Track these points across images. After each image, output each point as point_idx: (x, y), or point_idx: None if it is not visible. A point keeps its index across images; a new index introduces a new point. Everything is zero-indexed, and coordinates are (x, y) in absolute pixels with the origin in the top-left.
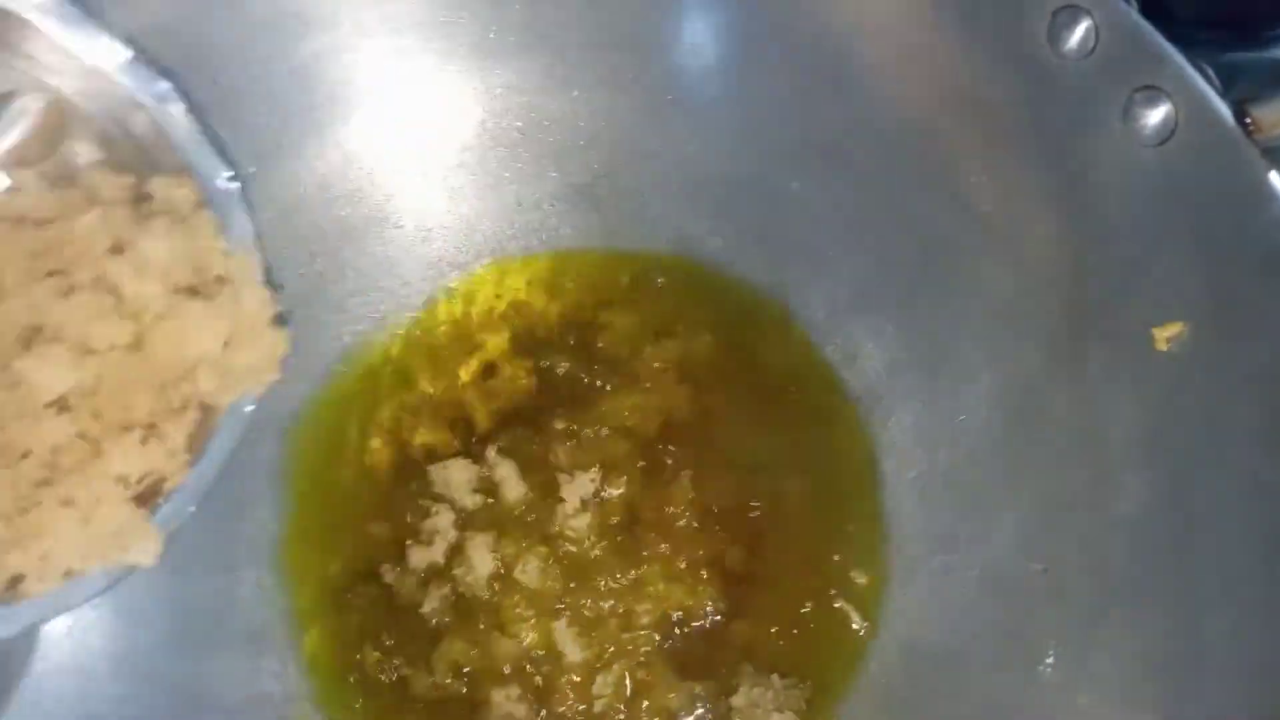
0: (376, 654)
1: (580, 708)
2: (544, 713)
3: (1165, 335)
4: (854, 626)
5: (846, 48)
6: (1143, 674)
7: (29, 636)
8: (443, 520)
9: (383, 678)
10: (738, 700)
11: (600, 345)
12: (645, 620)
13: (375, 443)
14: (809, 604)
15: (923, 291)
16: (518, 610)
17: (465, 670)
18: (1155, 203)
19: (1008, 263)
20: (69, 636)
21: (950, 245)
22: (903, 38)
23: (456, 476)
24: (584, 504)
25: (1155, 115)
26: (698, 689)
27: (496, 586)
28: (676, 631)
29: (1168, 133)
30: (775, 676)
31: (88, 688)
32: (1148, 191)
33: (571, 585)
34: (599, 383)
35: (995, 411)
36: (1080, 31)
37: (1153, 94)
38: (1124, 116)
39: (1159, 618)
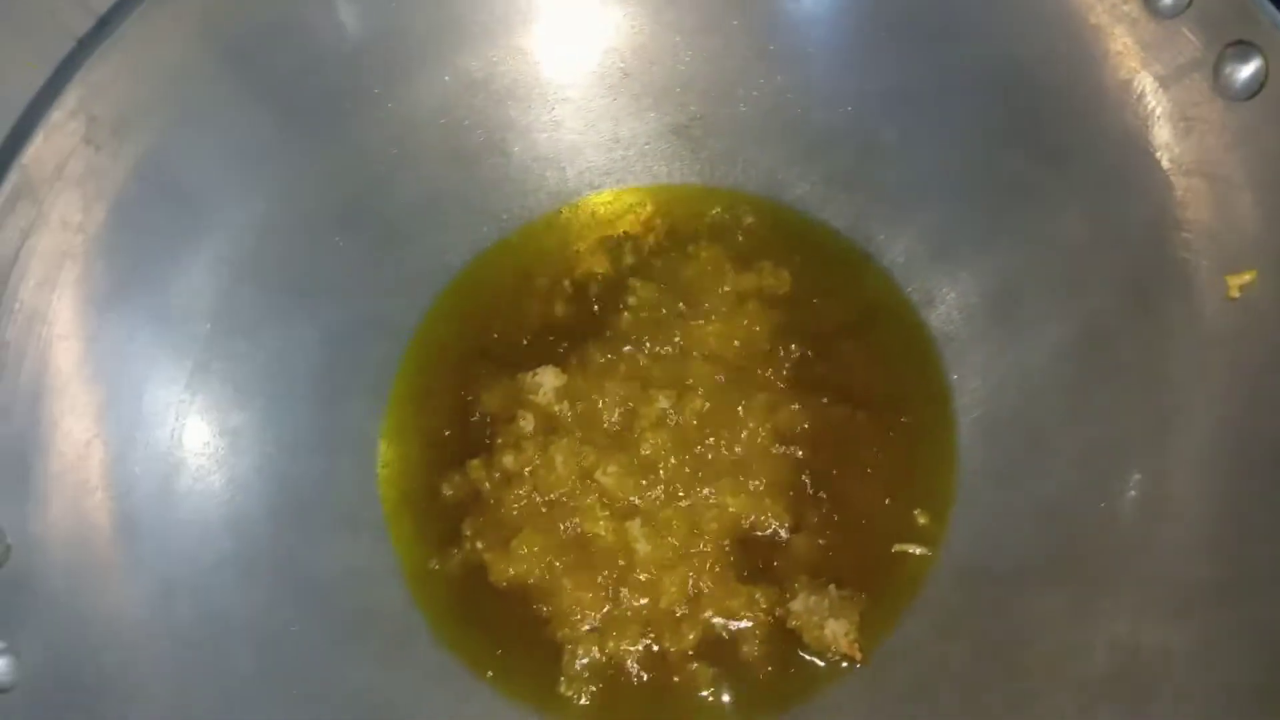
0: (459, 542)
1: (644, 601)
2: (610, 605)
3: (1238, 283)
4: (913, 550)
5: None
6: (1187, 597)
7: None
8: (530, 423)
9: (463, 564)
10: (795, 605)
11: (687, 274)
12: (713, 528)
13: (473, 352)
14: (872, 527)
15: (1001, 239)
16: (593, 509)
17: (540, 561)
18: (1240, 155)
19: (1088, 213)
20: (191, 493)
21: (1032, 195)
22: None
23: (547, 383)
24: (662, 419)
25: (1246, 70)
26: (757, 594)
27: (575, 488)
28: (742, 541)
29: (1257, 86)
30: (832, 587)
31: (205, 539)
32: (1234, 144)
33: (646, 492)
34: (683, 308)
35: (1064, 356)
36: None
37: (1244, 49)
38: (1215, 71)
39: (1210, 550)
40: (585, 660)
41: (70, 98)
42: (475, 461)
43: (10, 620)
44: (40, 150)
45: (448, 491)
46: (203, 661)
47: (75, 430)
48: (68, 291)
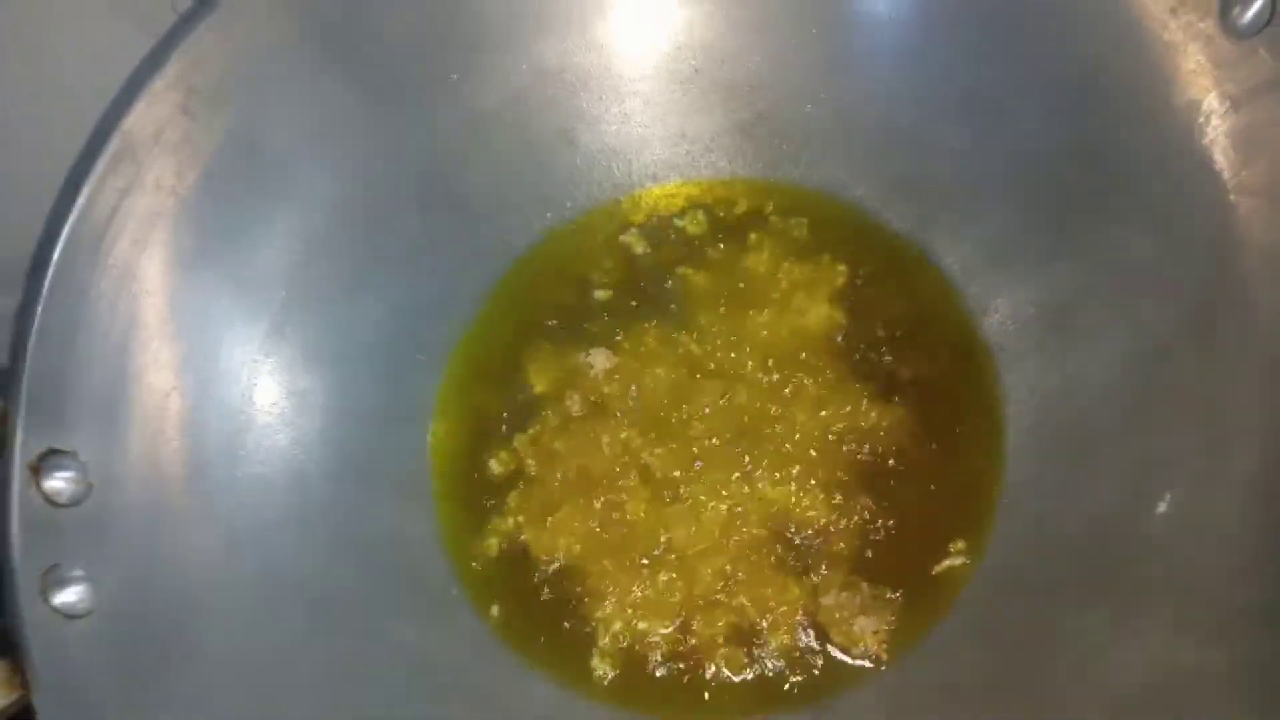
0: (502, 516)
1: (679, 585)
2: (646, 586)
3: None
4: (953, 556)
5: (1020, 7)
6: (1227, 620)
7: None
8: (578, 404)
9: (504, 539)
10: (826, 600)
11: (743, 265)
12: (754, 518)
13: (529, 332)
14: (913, 530)
15: (1063, 250)
16: (636, 491)
17: (579, 540)
18: None
19: (1151, 230)
20: (258, 449)
21: (1095, 208)
22: (1076, 3)
23: (598, 365)
24: (711, 407)
25: None
26: (791, 586)
27: (619, 469)
28: (781, 533)
29: None
30: (865, 584)
31: (269, 495)
32: None
33: (689, 477)
34: (737, 298)
35: (1119, 372)
36: (1256, 6)
37: None
38: None
39: (1254, 574)
40: (617, 640)
41: (171, 69)
42: (523, 437)
43: (90, 551)
44: (141, 117)
45: (495, 467)
46: (260, 610)
47: (156, 382)
48: (157, 251)
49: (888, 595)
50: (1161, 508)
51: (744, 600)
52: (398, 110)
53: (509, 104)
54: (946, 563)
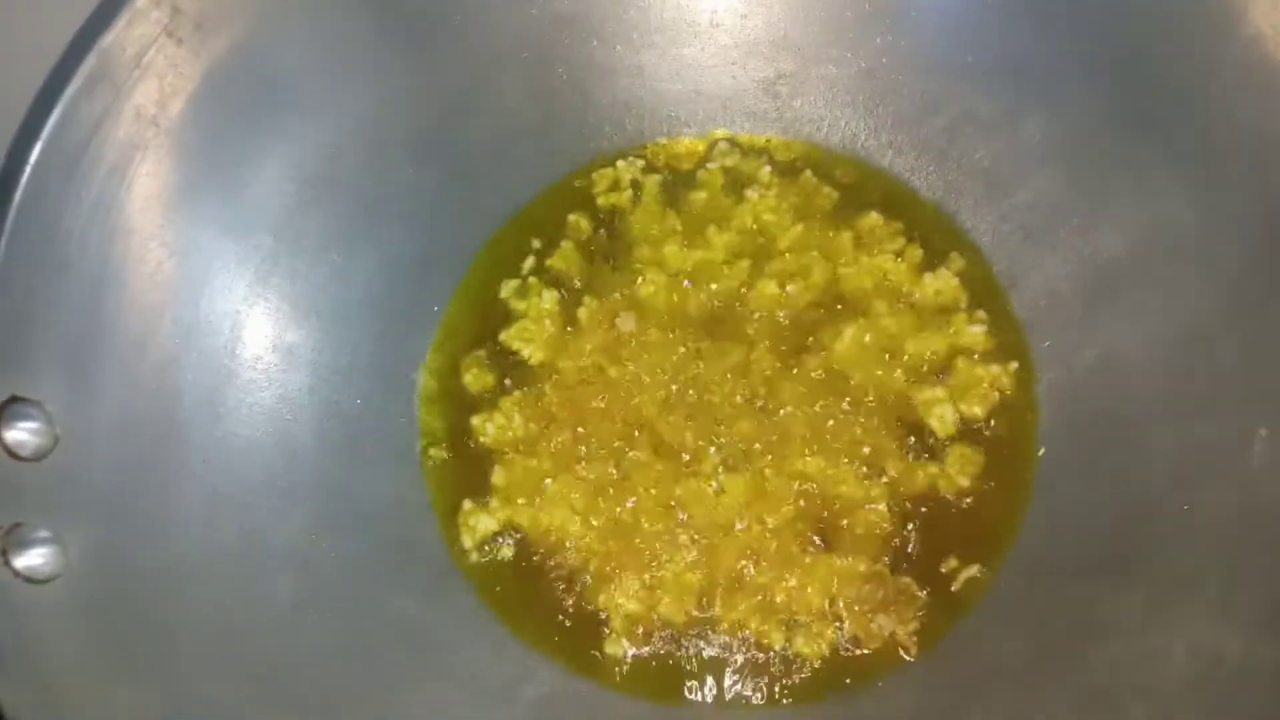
0: (491, 489)
1: (695, 568)
2: (655, 568)
3: None
4: (967, 568)
5: None
6: (1271, 607)
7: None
8: (578, 365)
9: (495, 510)
10: (848, 592)
11: (755, 223)
12: (774, 500)
13: (526, 291)
14: (938, 517)
15: (1100, 224)
16: (645, 464)
17: (578, 516)
18: None
19: (1196, 204)
20: (241, 405)
21: (1137, 180)
22: None
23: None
24: (727, 374)
25: None
26: (815, 574)
27: (624, 435)
28: (802, 517)
29: None
30: (891, 578)
31: (252, 455)
32: None
33: (704, 450)
34: (758, 254)
35: (1159, 351)
36: None
37: None
38: None
39: None
40: (624, 623)
41: None
42: (516, 399)
43: (56, 510)
44: (121, 36)
45: (489, 432)
46: (243, 577)
47: (130, 329)
48: (136, 185)
49: (914, 590)
50: (1204, 492)
51: (766, 587)
52: (401, 51)
53: (517, 50)
54: (964, 574)
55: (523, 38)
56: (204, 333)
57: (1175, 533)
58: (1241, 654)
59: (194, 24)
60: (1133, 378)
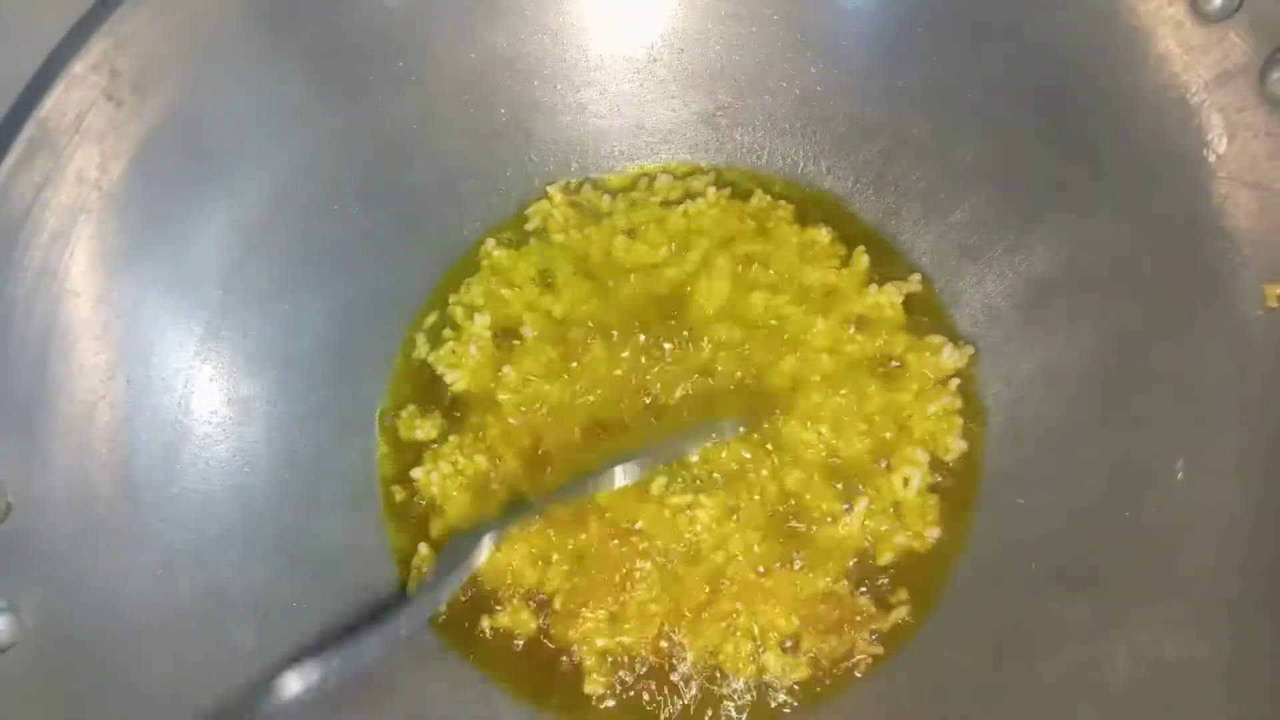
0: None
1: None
2: (618, 597)
3: (1277, 292)
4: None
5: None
6: (1214, 610)
7: None
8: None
9: None
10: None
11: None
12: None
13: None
14: (897, 517)
15: (1033, 241)
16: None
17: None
18: None
19: (1123, 217)
20: (197, 461)
21: (1066, 196)
22: None
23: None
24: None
25: None
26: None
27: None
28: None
29: None
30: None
31: (210, 509)
32: (1279, 152)
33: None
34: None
35: (1093, 363)
36: None
37: None
38: (1262, 77)
39: (1240, 563)
40: (597, 660)
41: (93, 50)
42: (449, 447)
43: (10, 578)
44: (60, 102)
45: (432, 480)
46: (204, 633)
47: (80, 391)
48: (80, 248)
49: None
50: (1143, 499)
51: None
52: (341, 99)
53: (459, 93)
54: (892, 616)
55: (464, 80)
56: (157, 390)
57: (1117, 541)
58: (1183, 656)
59: (132, 86)
60: (1069, 389)
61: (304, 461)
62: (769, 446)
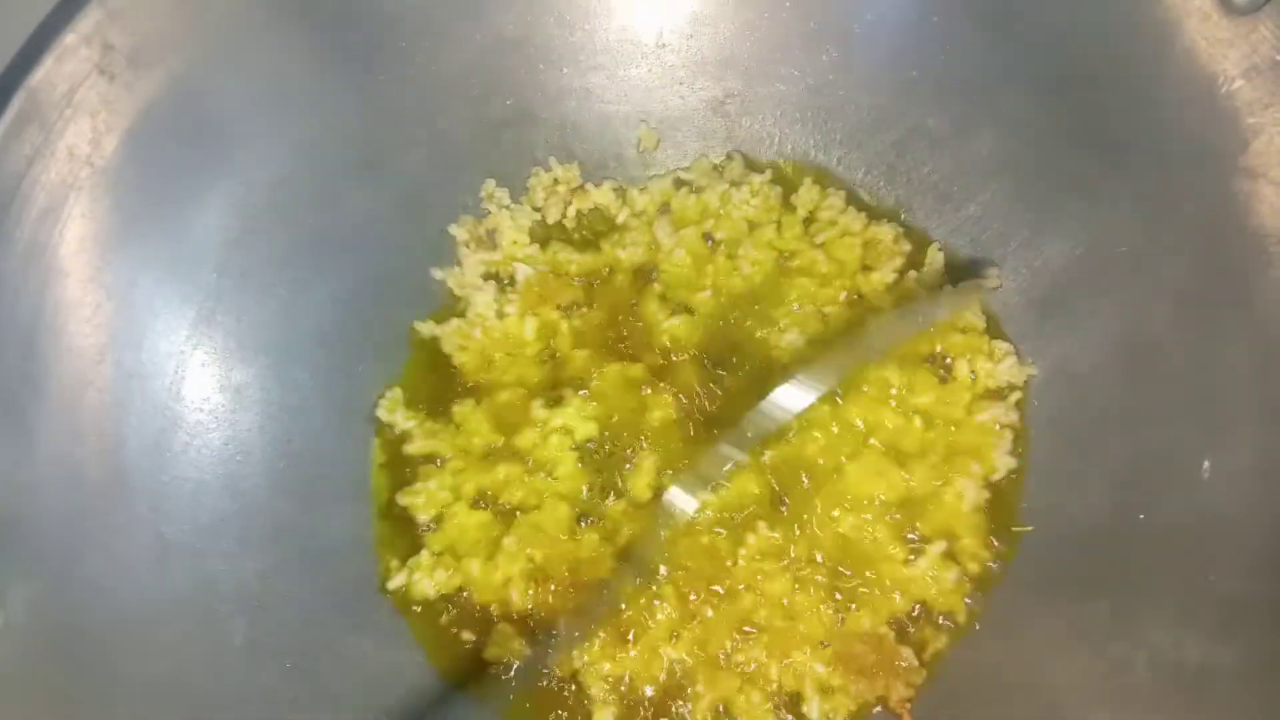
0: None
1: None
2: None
3: None
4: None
5: None
6: (1234, 614)
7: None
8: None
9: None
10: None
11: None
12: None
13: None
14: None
15: (1049, 236)
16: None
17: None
18: None
19: (1144, 213)
20: (188, 449)
21: (1085, 191)
22: None
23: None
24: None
25: None
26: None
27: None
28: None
29: None
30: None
31: (202, 499)
32: None
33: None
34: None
35: (1111, 359)
36: None
37: None
38: None
39: (1260, 566)
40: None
41: (86, 22)
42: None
43: None
44: (50, 74)
45: (419, 505)
46: (195, 622)
47: (69, 375)
48: (71, 226)
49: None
50: (1161, 500)
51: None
52: (346, 79)
53: (465, 76)
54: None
55: (469, 62)
56: (147, 375)
57: (1135, 542)
58: (1200, 659)
59: (127, 59)
60: (1085, 387)
61: (298, 451)
62: None
